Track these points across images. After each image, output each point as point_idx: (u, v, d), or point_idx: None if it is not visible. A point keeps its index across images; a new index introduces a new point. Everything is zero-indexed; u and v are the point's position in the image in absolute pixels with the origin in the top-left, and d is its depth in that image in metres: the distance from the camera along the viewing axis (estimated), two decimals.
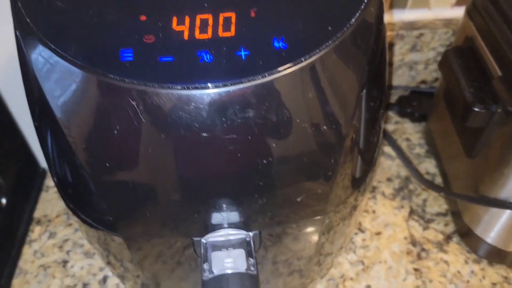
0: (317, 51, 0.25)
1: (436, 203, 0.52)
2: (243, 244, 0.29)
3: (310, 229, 0.34)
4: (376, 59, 0.29)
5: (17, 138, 0.53)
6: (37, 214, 0.53)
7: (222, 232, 0.30)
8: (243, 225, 0.30)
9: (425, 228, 0.50)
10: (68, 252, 0.49)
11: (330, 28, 0.25)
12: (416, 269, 0.46)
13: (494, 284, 0.45)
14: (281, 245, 0.35)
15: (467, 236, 0.47)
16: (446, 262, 0.47)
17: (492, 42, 0.40)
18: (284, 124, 0.26)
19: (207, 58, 0.24)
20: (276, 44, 0.25)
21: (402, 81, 0.62)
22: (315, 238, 0.35)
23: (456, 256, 0.47)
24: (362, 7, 0.26)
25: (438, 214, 0.51)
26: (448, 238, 0.49)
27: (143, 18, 0.25)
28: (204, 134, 0.25)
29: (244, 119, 0.25)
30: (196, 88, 0.24)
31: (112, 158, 0.27)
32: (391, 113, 0.62)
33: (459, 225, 0.49)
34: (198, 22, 0.25)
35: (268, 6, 0.26)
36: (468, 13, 0.45)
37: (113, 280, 0.46)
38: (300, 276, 0.40)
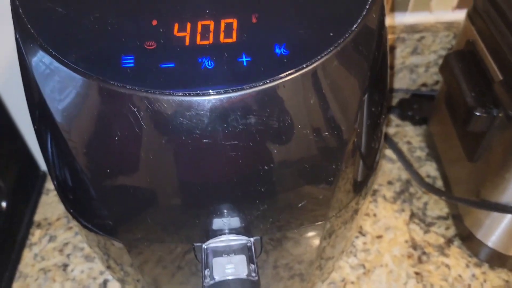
0: (318, 57, 0.25)
1: (437, 207, 0.52)
2: (244, 250, 0.29)
3: (311, 233, 0.34)
4: (377, 64, 0.29)
5: (17, 141, 0.53)
6: (37, 217, 0.53)
7: (223, 238, 0.29)
8: (244, 230, 0.30)
9: (426, 232, 0.50)
10: (68, 255, 0.49)
11: (331, 34, 0.25)
12: (417, 273, 0.46)
13: None
14: (282, 250, 0.35)
15: (468, 239, 0.47)
16: (447, 266, 0.47)
17: (494, 46, 0.40)
18: (286, 130, 0.25)
19: (208, 65, 0.24)
20: (277, 50, 0.25)
21: (403, 84, 0.62)
22: (316, 242, 0.35)
23: (457, 260, 0.47)
24: (364, 13, 0.26)
25: (439, 218, 0.51)
26: (449, 241, 0.49)
27: (144, 24, 0.25)
28: (205, 141, 0.25)
29: (246, 125, 0.25)
30: (197, 94, 0.24)
31: (113, 164, 0.27)
32: (392, 116, 0.61)
33: (460, 229, 0.49)
34: (199, 28, 0.25)
35: (269, 12, 0.26)
36: (469, 16, 0.45)
37: (114, 284, 0.46)
38: (301, 280, 0.40)
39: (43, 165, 0.57)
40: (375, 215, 0.51)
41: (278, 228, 0.31)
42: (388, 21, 0.52)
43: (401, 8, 0.57)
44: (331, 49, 0.25)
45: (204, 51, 0.25)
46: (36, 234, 0.51)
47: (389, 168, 0.56)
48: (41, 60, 0.25)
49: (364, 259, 0.47)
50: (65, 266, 0.48)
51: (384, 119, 0.34)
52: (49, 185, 0.56)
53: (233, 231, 0.30)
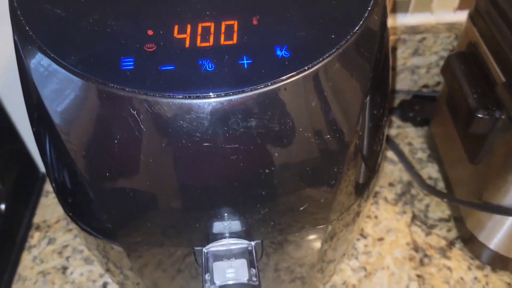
0: (320, 59, 0.24)
1: (439, 209, 0.52)
2: (245, 253, 0.29)
3: (313, 237, 0.33)
4: (379, 66, 0.28)
5: (17, 142, 0.52)
6: (36, 219, 0.52)
7: (223, 241, 0.29)
8: (245, 234, 0.30)
9: (427, 234, 0.49)
10: (67, 258, 0.48)
11: (333, 36, 0.25)
12: (418, 276, 0.46)
13: None
14: (283, 253, 0.34)
15: (470, 242, 0.47)
16: (449, 268, 0.46)
17: (496, 48, 0.40)
18: (287, 133, 0.25)
19: (208, 67, 0.24)
20: (278, 52, 0.24)
21: (404, 85, 0.62)
22: (318, 245, 0.35)
23: (459, 263, 0.47)
24: (366, 14, 0.26)
25: (441, 220, 0.51)
26: (451, 244, 0.48)
27: (144, 26, 0.25)
28: (206, 144, 0.24)
29: (247, 128, 0.24)
30: (198, 97, 0.23)
31: (112, 168, 0.26)
32: (393, 118, 0.61)
33: (462, 231, 0.48)
34: (199, 30, 0.25)
35: (270, 14, 0.26)
36: (471, 18, 0.45)
37: (113, 287, 0.46)
38: (302, 283, 0.40)
39: (42, 167, 0.56)
40: (376, 217, 0.51)
41: (279, 231, 0.31)
42: (389, 22, 0.52)
43: (402, 9, 0.56)
44: (333, 51, 0.25)
45: (204, 53, 0.24)
46: (35, 237, 0.50)
47: (390, 169, 0.56)
48: (39, 62, 0.25)
49: (366, 261, 0.47)
50: (64, 268, 0.48)
51: (386, 121, 0.33)
52: (49, 187, 0.56)
53: (233, 234, 0.29)
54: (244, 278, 0.28)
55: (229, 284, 0.27)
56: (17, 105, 0.49)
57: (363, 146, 0.30)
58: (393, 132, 0.60)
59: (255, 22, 0.25)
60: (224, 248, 0.29)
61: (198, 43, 0.25)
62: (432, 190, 0.51)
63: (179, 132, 0.24)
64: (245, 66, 0.24)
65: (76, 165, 0.27)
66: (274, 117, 0.25)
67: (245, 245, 0.29)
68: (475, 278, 0.46)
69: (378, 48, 0.27)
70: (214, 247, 0.29)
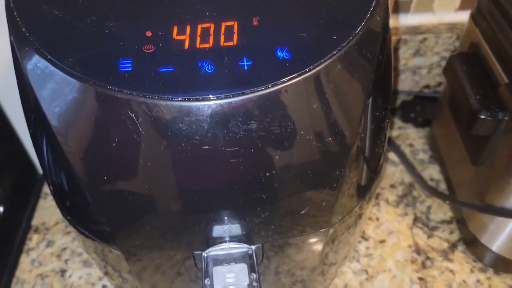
0: (322, 61, 0.24)
1: (441, 210, 0.51)
2: (245, 258, 0.29)
3: (314, 240, 0.33)
4: (381, 68, 0.28)
5: (15, 144, 0.52)
6: (35, 222, 0.52)
7: (223, 245, 0.29)
8: (245, 238, 0.29)
9: (429, 236, 0.49)
10: (66, 261, 0.48)
11: (335, 37, 0.25)
12: (421, 278, 0.45)
13: None
14: (284, 256, 0.34)
15: (472, 244, 0.47)
16: (451, 271, 0.46)
17: (498, 48, 0.40)
18: (288, 136, 0.25)
19: (208, 69, 0.24)
20: (279, 53, 0.24)
21: (405, 86, 0.61)
22: (319, 248, 0.34)
23: (461, 265, 0.46)
24: (368, 15, 0.25)
25: (443, 222, 0.50)
26: (453, 246, 0.48)
27: (142, 27, 0.25)
28: (205, 147, 0.24)
29: (247, 131, 0.24)
30: (197, 99, 0.23)
31: (110, 171, 0.26)
32: (394, 118, 0.61)
33: (464, 233, 0.48)
34: (199, 31, 0.25)
35: (271, 15, 0.25)
36: (473, 18, 0.44)
37: None
38: (304, 286, 0.39)
39: (41, 169, 0.56)
40: (377, 219, 0.51)
41: (280, 235, 0.30)
42: (391, 22, 0.51)
43: (403, 9, 0.56)
44: (335, 52, 0.24)
45: (204, 54, 0.24)
46: (33, 239, 0.50)
47: (392, 171, 0.55)
48: (36, 64, 0.25)
49: (367, 264, 0.47)
50: (63, 271, 0.47)
51: (388, 123, 0.33)
52: (47, 189, 0.55)
53: (234, 238, 0.29)
54: (244, 283, 0.27)
55: None
56: (15, 107, 0.49)
57: (365, 148, 0.29)
58: (394, 133, 0.59)
59: (255, 23, 0.25)
60: (224, 252, 0.29)
61: (198, 45, 0.24)
62: (434, 192, 0.50)
63: (178, 135, 0.24)
64: (245, 67, 0.24)
65: (74, 168, 0.26)
66: (275, 120, 0.24)
67: (245, 249, 0.29)
68: (478, 281, 0.45)
69: (380, 49, 0.27)
70: (214, 251, 0.29)
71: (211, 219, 0.28)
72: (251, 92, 0.23)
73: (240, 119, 0.24)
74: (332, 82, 0.25)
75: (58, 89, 0.24)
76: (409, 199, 0.52)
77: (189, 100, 0.23)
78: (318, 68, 0.24)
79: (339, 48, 0.24)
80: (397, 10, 0.56)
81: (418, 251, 0.48)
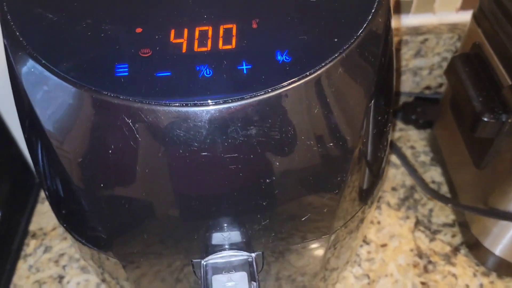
0: (322, 64, 0.23)
1: (443, 213, 0.50)
2: (245, 266, 0.28)
3: (315, 246, 0.32)
4: (383, 71, 0.28)
5: (12, 148, 0.51)
6: (32, 227, 0.51)
7: (223, 253, 0.28)
8: (245, 246, 0.29)
9: (431, 240, 0.48)
10: (64, 267, 0.47)
11: (336, 39, 0.24)
12: (423, 283, 0.45)
13: None
14: (285, 262, 0.33)
15: (475, 248, 0.46)
16: (454, 275, 0.45)
17: (501, 49, 0.39)
18: (289, 141, 0.24)
19: (206, 73, 0.23)
20: (279, 57, 0.23)
21: (406, 87, 0.61)
22: (320, 254, 0.34)
23: (464, 269, 0.46)
24: (369, 17, 0.25)
25: (445, 225, 0.50)
26: (455, 250, 0.47)
27: (139, 30, 0.24)
28: (204, 153, 0.23)
29: (246, 137, 0.23)
30: (195, 104, 0.22)
31: (106, 178, 0.25)
32: (395, 120, 0.60)
33: (467, 237, 0.47)
34: (197, 34, 0.24)
35: (271, 17, 0.25)
36: (475, 18, 0.44)
37: None
38: None
39: None
40: (379, 222, 0.50)
41: (280, 242, 0.30)
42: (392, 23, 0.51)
43: (404, 10, 0.55)
44: (336, 55, 0.24)
45: (202, 58, 0.23)
46: (31, 245, 0.49)
47: (393, 173, 0.55)
48: (30, 69, 0.24)
49: (369, 268, 0.46)
50: (60, 278, 0.47)
51: (390, 126, 0.32)
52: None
53: (233, 246, 0.28)
54: None
55: None
56: (12, 111, 0.48)
57: (367, 152, 0.29)
58: (395, 135, 0.59)
59: (254, 26, 0.24)
60: (223, 260, 0.28)
61: (196, 48, 0.24)
62: (435, 195, 0.50)
63: (176, 141, 0.23)
64: (245, 71, 0.23)
65: (69, 175, 0.26)
66: (275, 125, 0.24)
67: (245, 257, 0.28)
68: (481, 285, 0.45)
69: (383, 51, 0.26)
70: (213, 259, 0.28)
71: (210, 226, 0.27)
72: (251, 97, 0.23)
73: (239, 124, 0.23)
74: (334, 86, 0.24)
75: (52, 95, 0.24)
76: (411, 202, 0.52)
77: (187, 105, 0.22)
78: (319, 72, 0.23)
79: (340, 51, 0.24)
80: (397, 10, 0.55)
81: (420, 255, 0.47)
